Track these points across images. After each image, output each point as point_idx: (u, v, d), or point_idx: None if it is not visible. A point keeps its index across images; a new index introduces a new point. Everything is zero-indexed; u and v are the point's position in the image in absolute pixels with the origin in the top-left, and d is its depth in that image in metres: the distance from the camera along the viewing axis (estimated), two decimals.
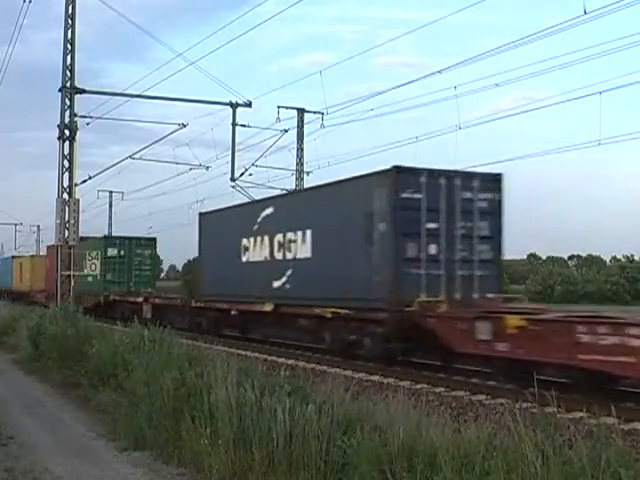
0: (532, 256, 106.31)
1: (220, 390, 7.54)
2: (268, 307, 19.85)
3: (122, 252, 36.16)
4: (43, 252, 61.71)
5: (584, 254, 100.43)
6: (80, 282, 35.64)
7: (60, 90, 23.56)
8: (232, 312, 22.55)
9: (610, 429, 5.55)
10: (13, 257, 65.18)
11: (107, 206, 56.96)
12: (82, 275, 34.36)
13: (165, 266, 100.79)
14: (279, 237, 19.69)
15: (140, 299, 32.13)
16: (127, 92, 26.36)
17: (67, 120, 23.47)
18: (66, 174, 23.57)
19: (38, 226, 74.88)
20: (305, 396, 6.93)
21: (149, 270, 37.54)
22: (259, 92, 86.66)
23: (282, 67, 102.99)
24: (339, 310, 16.66)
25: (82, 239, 39.41)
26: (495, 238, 16.20)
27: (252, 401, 7.10)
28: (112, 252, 35.80)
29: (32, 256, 58.99)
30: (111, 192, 55.70)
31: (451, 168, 16.44)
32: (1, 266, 66.30)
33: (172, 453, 7.94)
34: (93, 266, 28.82)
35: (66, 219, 23.44)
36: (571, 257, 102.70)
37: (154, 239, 38.56)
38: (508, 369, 12.59)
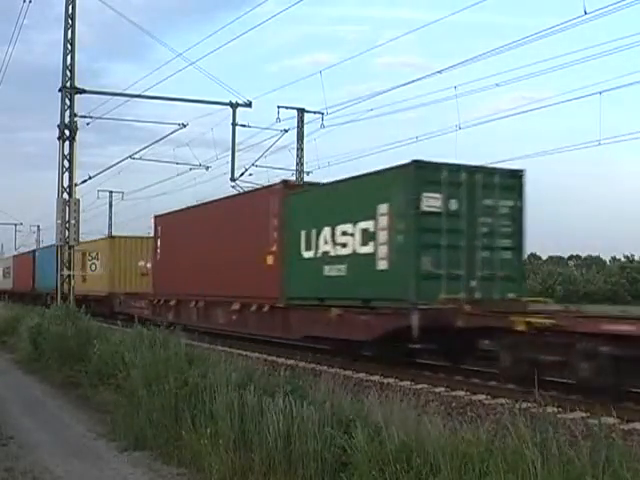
0: (532, 256, 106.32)
1: (222, 391, 7.54)
2: None
3: (454, 204, 14.82)
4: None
5: (584, 254, 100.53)
6: (291, 276, 17.75)
7: (60, 90, 23.57)
8: None
9: (610, 429, 5.55)
10: None
11: (107, 206, 56.91)
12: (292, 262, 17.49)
13: None
14: None
15: None
16: (127, 92, 26.40)
17: (67, 120, 23.48)
18: (66, 174, 23.58)
19: (38, 226, 74.62)
20: (305, 396, 6.92)
21: (511, 247, 15.31)
22: (259, 92, 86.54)
23: (282, 67, 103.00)
24: None
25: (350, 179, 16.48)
26: None
27: (253, 402, 7.10)
28: (433, 203, 14.60)
29: (111, 237, 37.54)
30: (111, 192, 55.62)
31: None
32: (42, 258, 44.73)
33: (172, 453, 7.94)
34: (93, 266, 25.89)
35: (66, 219, 23.42)
36: (571, 257, 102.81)
37: (520, 173, 15.58)
38: None
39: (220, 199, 23.69)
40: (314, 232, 16.92)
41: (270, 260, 18.61)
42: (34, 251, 52.24)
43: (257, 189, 21.12)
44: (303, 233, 17.29)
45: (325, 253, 16.53)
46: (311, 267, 16.95)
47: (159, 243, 26.70)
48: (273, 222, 18.70)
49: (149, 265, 30.99)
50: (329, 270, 16.35)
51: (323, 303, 16.59)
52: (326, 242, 16.45)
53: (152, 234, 29.18)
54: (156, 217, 27.65)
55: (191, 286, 22.90)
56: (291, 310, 17.82)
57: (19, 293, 51.92)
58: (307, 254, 17.18)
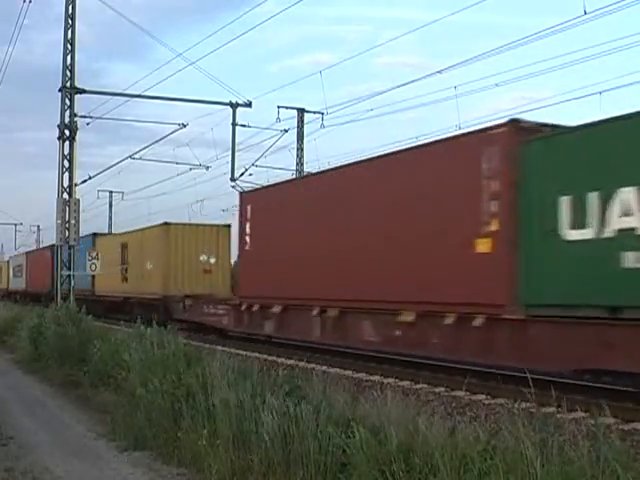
0: None
1: (219, 391, 7.54)
2: None
3: None
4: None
5: None
6: (536, 271, 11.62)
7: (60, 90, 23.57)
8: None
9: (610, 429, 5.55)
10: (95, 235, 36.19)
11: (107, 206, 56.99)
12: None
13: None
14: None
15: None
16: (127, 92, 26.43)
17: (67, 120, 23.48)
18: (66, 174, 23.58)
19: (38, 226, 74.60)
20: (303, 396, 6.92)
21: None
22: (259, 92, 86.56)
23: (282, 67, 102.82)
24: None
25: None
26: None
27: (251, 401, 7.10)
28: None
29: (166, 224, 28.48)
30: (111, 192, 55.76)
31: None
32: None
33: (172, 453, 7.95)
34: (93, 266, 25.92)
35: (66, 219, 23.41)
36: None
37: None
38: None
39: (370, 159, 15.85)
40: (594, 198, 10.73)
41: (484, 246, 12.50)
42: (53, 246, 44.12)
43: (449, 138, 13.72)
44: (565, 201, 11.14)
45: (625, 231, 10.35)
46: (588, 255, 10.88)
47: (248, 228, 20.18)
48: (490, 186, 12.43)
49: (213, 260, 27.15)
50: (638, 259, 10.16)
51: (620, 315, 10.42)
52: (627, 213, 10.31)
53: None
54: (242, 194, 21.01)
55: (312, 286, 16.40)
56: (536, 324, 11.68)
57: (34, 294, 46.04)
58: (576, 234, 11.03)
